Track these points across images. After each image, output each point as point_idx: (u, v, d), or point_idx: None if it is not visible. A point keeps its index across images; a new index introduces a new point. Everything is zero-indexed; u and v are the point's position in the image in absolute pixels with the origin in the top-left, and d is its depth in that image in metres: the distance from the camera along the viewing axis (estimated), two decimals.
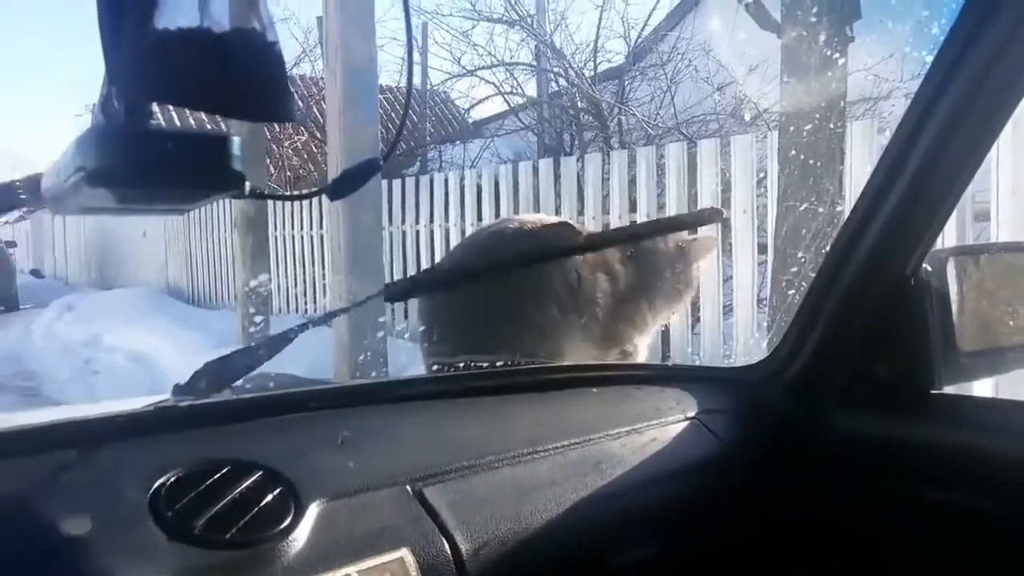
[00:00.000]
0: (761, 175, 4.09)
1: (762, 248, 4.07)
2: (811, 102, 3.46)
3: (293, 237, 8.04)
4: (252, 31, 0.50)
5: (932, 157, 0.99)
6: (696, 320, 4.22)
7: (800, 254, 3.38)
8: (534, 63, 8.61)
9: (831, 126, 3.45)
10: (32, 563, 0.66)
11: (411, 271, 6.39)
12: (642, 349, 1.43)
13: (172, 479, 0.77)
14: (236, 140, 0.51)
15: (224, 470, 0.80)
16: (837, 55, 3.43)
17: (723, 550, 1.05)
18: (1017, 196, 3.13)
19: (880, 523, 1.06)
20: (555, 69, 8.14)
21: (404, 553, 0.78)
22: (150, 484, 0.76)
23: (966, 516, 0.99)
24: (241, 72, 0.49)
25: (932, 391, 1.05)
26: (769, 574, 1.11)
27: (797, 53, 3.51)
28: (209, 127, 5.06)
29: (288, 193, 0.86)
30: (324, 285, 7.23)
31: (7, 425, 0.86)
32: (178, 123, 7.28)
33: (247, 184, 0.53)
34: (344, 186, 0.63)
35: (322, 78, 7.42)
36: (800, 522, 1.10)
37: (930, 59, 0.98)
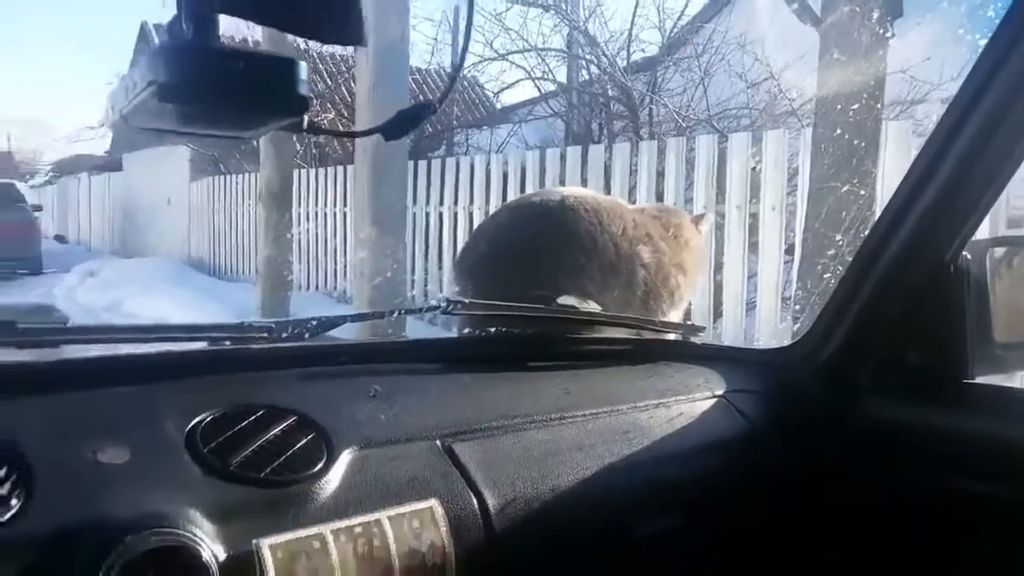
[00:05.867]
0: (792, 172, 4.05)
1: (788, 249, 4.04)
2: (848, 96, 3.43)
3: (317, 214, 8.07)
4: None
5: (978, 144, 0.98)
6: (719, 315, 4.21)
7: (838, 236, 3.35)
8: (566, 50, 8.56)
9: (867, 120, 3.41)
10: (69, 490, 0.67)
11: (432, 253, 6.41)
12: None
13: (209, 418, 0.79)
14: (303, 65, 0.51)
15: (259, 413, 0.81)
16: (876, 50, 3.39)
17: (746, 528, 1.05)
18: None
19: (907, 509, 1.05)
20: (587, 56, 8.10)
21: (433, 504, 0.79)
22: (187, 422, 0.78)
23: (994, 506, 0.98)
24: None
25: (965, 380, 1.05)
26: (793, 555, 1.11)
27: (836, 46, 3.48)
28: None
29: (344, 131, 0.86)
30: (346, 265, 7.25)
31: (48, 359, 0.87)
32: None
33: (307, 115, 0.53)
34: (399, 126, 0.64)
35: (352, 56, 7.44)
36: (826, 505, 1.09)
37: (975, 57, 0.97)
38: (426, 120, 0.63)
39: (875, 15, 3.40)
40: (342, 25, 0.52)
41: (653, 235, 1.41)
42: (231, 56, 0.50)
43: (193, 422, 0.78)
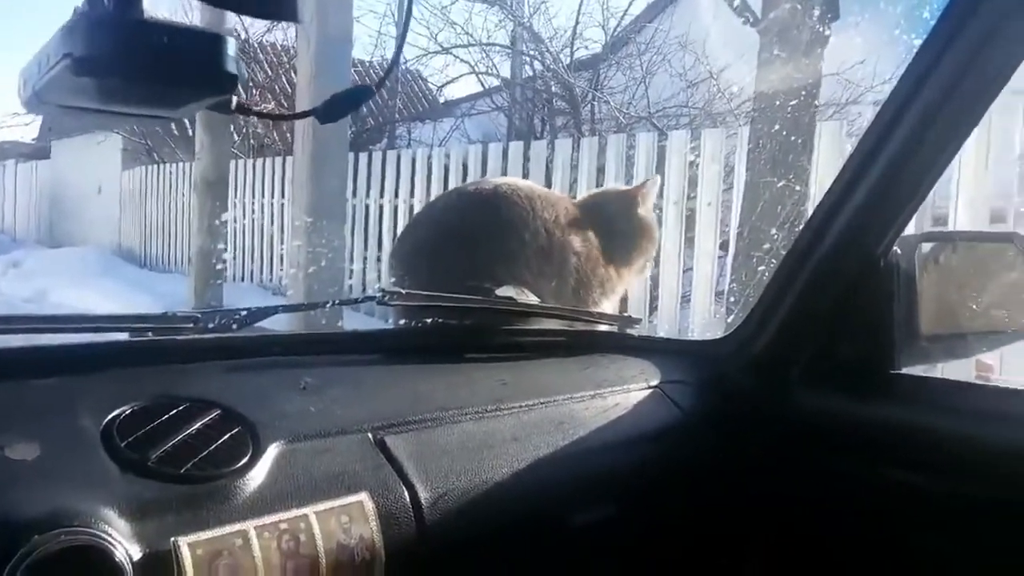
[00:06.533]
0: (728, 170, 4.12)
1: (722, 245, 4.11)
2: (786, 94, 3.50)
3: (254, 205, 7.91)
4: None
5: (909, 144, 1.00)
6: (654, 308, 4.26)
7: (773, 231, 3.42)
8: (510, 46, 8.55)
9: (803, 118, 3.49)
10: None
11: (372, 244, 6.34)
12: (609, 312, 1.43)
13: (128, 411, 0.76)
14: (231, 41, 0.49)
15: (182, 406, 0.78)
16: (813, 51, 3.47)
17: (680, 518, 1.06)
18: (974, 203, 3.22)
19: (837, 500, 1.07)
20: (531, 53, 8.11)
21: (363, 497, 0.77)
22: (105, 415, 0.74)
23: (921, 496, 1.00)
24: None
25: (892, 371, 1.07)
26: (725, 546, 1.12)
27: (775, 46, 3.55)
28: None
29: (276, 113, 0.83)
30: (281, 254, 7.13)
31: None
32: None
33: (236, 95, 0.50)
34: (335, 110, 0.61)
35: (293, 46, 7.30)
36: (758, 496, 1.11)
37: (908, 59, 0.99)
38: (363, 104, 0.60)
39: (813, 17, 3.47)
40: (275, 1, 0.49)
41: (585, 224, 1.41)
42: (153, 29, 0.47)
43: (111, 415, 0.74)
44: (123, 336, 0.90)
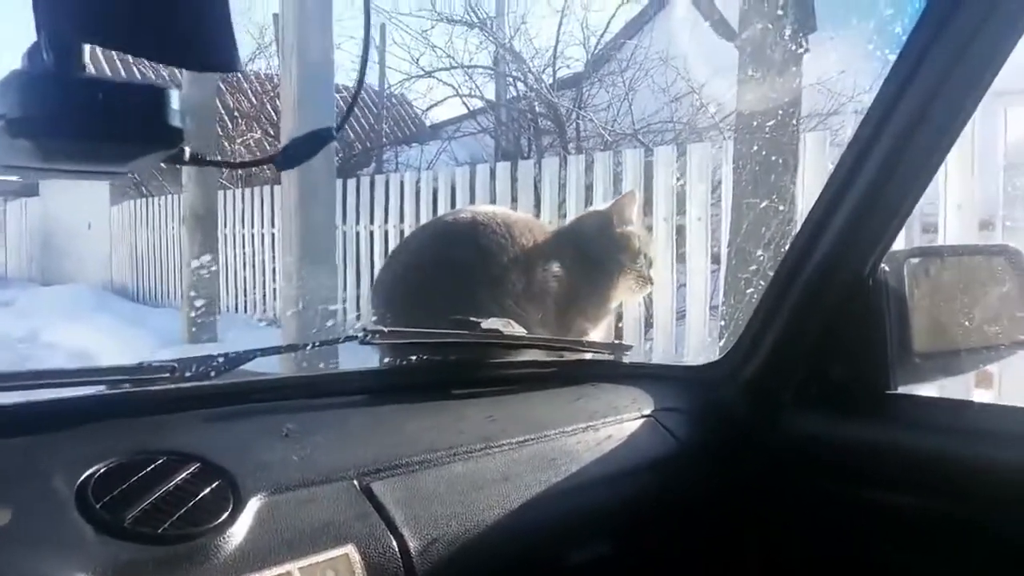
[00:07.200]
0: (716, 183, 4.12)
1: (714, 258, 4.10)
2: (766, 111, 3.51)
3: (243, 235, 7.89)
4: None
5: (892, 158, 0.99)
6: (649, 326, 4.24)
7: (759, 252, 3.41)
8: (493, 67, 8.59)
9: (784, 135, 3.49)
10: None
11: (364, 272, 6.32)
12: (598, 339, 1.42)
13: (102, 470, 0.73)
14: (175, 93, 0.47)
15: (159, 461, 0.76)
16: (792, 64, 3.48)
17: (679, 549, 1.04)
18: (963, 209, 3.22)
19: (832, 524, 1.05)
20: (514, 73, 8.14)
21: (349, 550, 0.74)
22: (78, 475, 0.72)
23: (917, 518, 0.98)
24: (183, 16, 0.45)
25: (887, 392, 1.05)
26: (723, 573, 1.10)
27: (753, 61, 3.56)
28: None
29: (235, 161, 0.81)
30: (275, 289, 7.10)
31: None
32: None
33: (185, 146, 0.49)
34: (295, 155, 0.59)
35: (277, 75, 7.31)
36: (755, 521, 1.09)
37: (887, 69, 0.98)
38: (323, 147, 0.59)
39: (790, 30, 3.49)
40: (212, 51, 0.48)
41: (564, 248, 1.40)
42: (89, 86, 0.45)
43: (85, 475, 0.72)
44: (97, 390, 0.88)
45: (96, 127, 0.47)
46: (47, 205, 13.42)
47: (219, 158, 7.35)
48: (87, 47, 0.47)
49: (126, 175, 0.55)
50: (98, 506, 0.69)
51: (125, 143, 0.49)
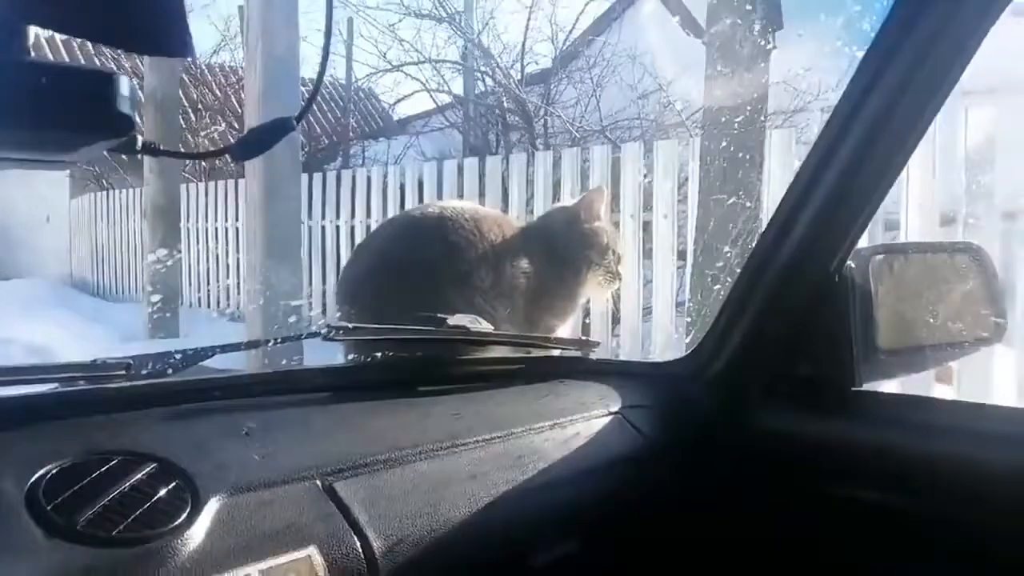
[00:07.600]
0: (683, 180, 4.14)
1: (681, 254, 4.12)
2: (733, 108, 3.53)
3: (207, 229, 7.77)
4: None
5: (857, 156, 0.99)
6: (616, 322, 4.25)
7: (726, 248, 3.43)
8: (461, 62, 8.55)
9: (751, 132, 3.52)
10: None
11: (330, 267, 6.26)
12: (566, 335, 1.42)
13: (54, 471, 0.70)
14: (124, 79, 0.45)
15: (113, 461, 0.73)
16: (759, 61, 3.51)
17: (646, 545, 1.03)
18: (924, 209, 3.27)
19: (800, 518, 1.05)
20: (482, 68, 8.11)
21: (311, 551, 0.72)
22: (28, 475, 0.69)
23: (884, 514, 0.99)
24: None
25: (853, 388, 1.06)
26: (692, 569, 1.09)
27: (720, 58, 3.58)
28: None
29: (186, 152, 0.79)
30: (238, 284, 7.01)
31: None
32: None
33: (136, 133, 0.47)
34: (252, 146, 0.57)
35: (242, 67, 7.22)
36: (723, 517, 1.09)
37: (853, 67, 0.99)
38: (282, 139, 0.57)
39: (757, 27, 3.51)
40: (163, 36, 0.46)
41: (533, 244, 1.40)
42: (32, 70, 0.43)
43: (35, 476, 0.69)
44: (50, 387, 0.85)
45: (39, 113, 0.44)
46: (3, 197, 13.12)
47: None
48: (32, 30, 0.44)
49: (75, 164, 0.53)
50: (49, 508, 0.67)
51: (70, 130, 0.46)
